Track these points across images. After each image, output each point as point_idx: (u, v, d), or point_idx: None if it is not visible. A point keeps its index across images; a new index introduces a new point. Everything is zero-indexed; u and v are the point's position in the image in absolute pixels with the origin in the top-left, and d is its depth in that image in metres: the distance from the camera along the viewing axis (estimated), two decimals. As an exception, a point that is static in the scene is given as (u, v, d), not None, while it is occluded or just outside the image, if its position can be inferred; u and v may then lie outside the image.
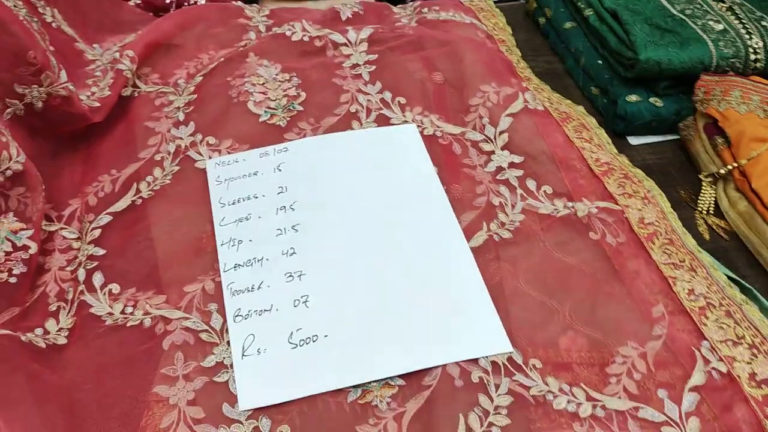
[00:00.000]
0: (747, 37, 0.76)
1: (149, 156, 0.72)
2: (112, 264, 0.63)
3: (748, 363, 0.55)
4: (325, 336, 0.57)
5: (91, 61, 0.81)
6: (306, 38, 0.84)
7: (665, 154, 0.77)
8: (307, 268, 0.61)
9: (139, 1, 1.03)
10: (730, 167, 0.69)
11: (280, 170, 0.70)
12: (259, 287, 0.60)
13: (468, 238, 0.65)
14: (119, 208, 0.67)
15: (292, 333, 0.57)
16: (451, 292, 0.60)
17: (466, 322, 0.58)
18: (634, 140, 0.79)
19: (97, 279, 0.61)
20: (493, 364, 0.55)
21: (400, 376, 0.54)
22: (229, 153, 0.73)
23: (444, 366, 0.55)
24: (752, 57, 0.76)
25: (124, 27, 0.90)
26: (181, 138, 0.74)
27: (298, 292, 0.60)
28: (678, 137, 0.78)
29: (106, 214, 0.67)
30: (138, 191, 0.69)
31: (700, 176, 0.72)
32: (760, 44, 0.76)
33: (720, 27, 0.77)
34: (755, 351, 0.56)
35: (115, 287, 0.61)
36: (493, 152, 0.73)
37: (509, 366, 0.55)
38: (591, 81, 0.84)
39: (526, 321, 0.59)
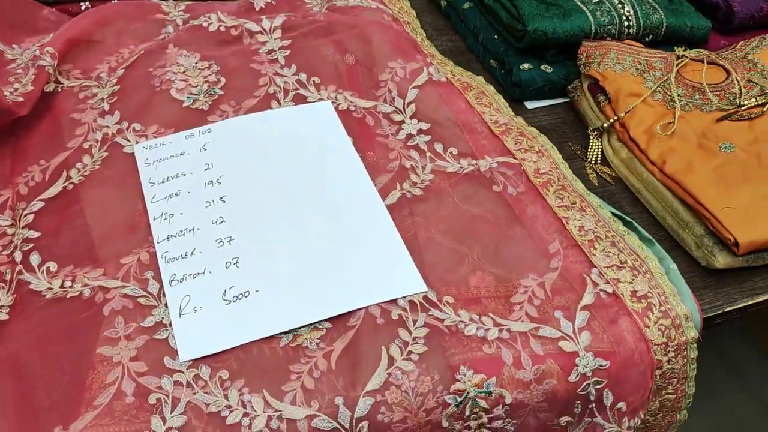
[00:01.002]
0: (620, 5, 0.86)
1: (77, 145, 0.75)
2: (48, 245, 0.66)
3: (630, 283, 0.64)
4: (256, 291, 0.62)
5: (11, 60, 0.84)
6: (222, 28, 0.89)
7: (558, 115, 0.86)
8: (236, 234, 0.66)
9: (53, 10, 1.06)
10: (611, 120, 0.78)
11: (205, 149, 0.75)
12: (192, 254, 0.65)
13: (383, 197, 0.71)
14: (51, 194, 0.70)
15: (225, 291, 0.62)
16: (370, 244, 0.66)
17: (385, 268, 0.64)
18: (530, 104, 0.87)
19: (35, 259, 0.64)
20: (411, 303, 0.61)
21: (327, 320, 0.60)
22: (155, 137, 0.76)
23: (366, 308, 0.61)
24: (625, 24, 0.85)
25: (41, 29, 0.92)
26: (107, 126, 0.77)
27: (229, 255, 0.65)
28: (568, 99, 0.87)
29: (38, 200, 0.70)
30: (68, 177, 0.72)
31: (588, 131, 0.81)
32: (631, 12, 0.85)
33: (597, -1, 0.87)
34: (635, 272, 0.64)
35: (52, 265, 0.64)
36: (403, 122, 0.79)
37: (425, 303, 0.62)
38: (489, 54, 0.91)
39: (439, 265, 0.66)
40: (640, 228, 0.70)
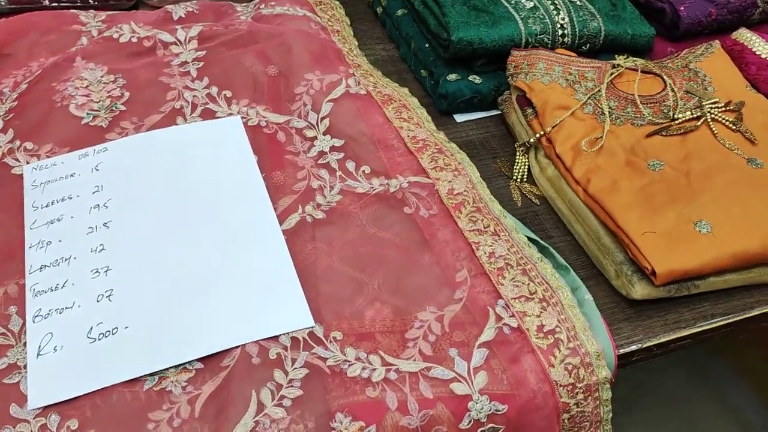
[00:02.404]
0: (555, 12, 0.80)
1: (-36, 165, 0.71)
2: None
3: (537, 316, 0.58)
4: (126, 327, 0.57)
5: None
6: (134, 39, 0.84)
7: (487, 129, 0.80)
8: (114, 263, 0.61)
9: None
10: (538, 135, 0.72)
11: (97, 170, 0.70)
12: (63, 286, 0.60)
13: (282, 221, 0.66)
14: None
15: (92, 328, 0.57)
16: (257, 274, 0.61)
17: (269, 301, 0.59)
18: (459, 117, 0.81)
19: None
20: (293, 339, 0.56)
21: (199, 360, 0.55)
22: (48, 157, 0.72)
23: (243, 346, 0.55)
24: (559, 32, 0.79)
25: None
26: (-1, 146, 0.72)
27: (102, 287, 0.59)
28: (499, 112, 0.81)
29: None
30: (-51, 200, 0.67)
31: (516, 146, 0.75)
32: (566, 19, 0.80)
33: (530, 5, 0.81)
34: (545, 304, 0.59)
35: None
36: (315, 138, 0.74)
37: (309, 340, 0.56)
38: (420, 64, 0.86)
39: (334, 296, 0.60)
40: (556, 254, 0.64)
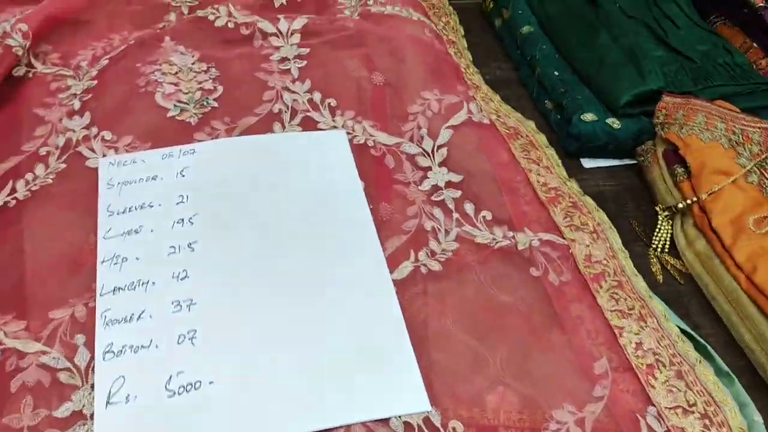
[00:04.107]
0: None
1: (34, 149, 0.62)
2: (-33, 278, 0.53)
3: (697, 435, 0.48)
4: (210, 383, 0.48)
5: (-22, 35, 0.70)
6: (231, 24, 0.74)
7: (621, 181, 0.70)
8: (199, 297, 0.52)
9: None
10: (689, 201, 0.62)
11: (183, 175, 0.61)
12: (139, 317, 0.51)
13: (392, 268, 0.56)
14: (-13, 209, 0.57)
15: (171, 377, 0.48)
16: (366, 336, 0.52)
17: (380, 373, 0.50)
18: (587, 162, 0.71)
19: (-56, 294, 0.51)
20: (406, 425, 0.47)
21: (293, 436, 0.46)
22: (127, 151, 0.63)
23: (348, 427, 0.46)
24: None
25: (26, -2, 0.79)
26: (72, 130, 0.63)
27: (184, 326, 0.51)
28: (635, 162, 0.71)
29: (-31, 216, 0.57)
30: (13, 190, 0.59)
31: (657, 208, 0.65)
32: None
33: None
34: (707, 423, 0.49)
35: (-34, 308, 0.51)
36: (429, 168, 0.65)
37: (424, 428, 0.47)
38: (545, 93, 0.76)
39: (450, 370, 0.51)
40: (715, 356, 0.54)
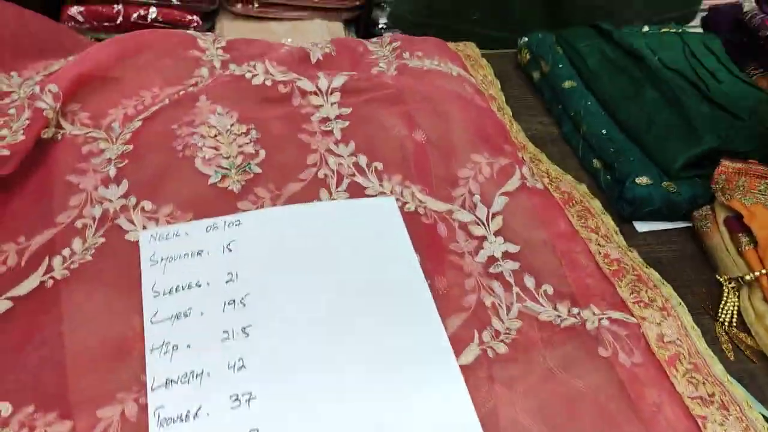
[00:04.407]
0: None
1: (69, 221, 0.59)
2: (4, 370, 0.49)
3: None
4: (278, 490, 0.44)
5: (5, 94, 0.67)
6: (269, 82, 0.72)
7: (677, 246, 0.68)
8: (257, 390, 0.49)
9: (81, 9, 0.91)
10: (756, 273, 0.60)
11: (230, 250, 0.58)
12: (195, 415, 0.47)
13: (457, 351, 0.53)
14: (23, 290, 0.54)
15: (234, 485, 0.44)
16: (436, 427, 0.49)
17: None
18: (641, 226, 0.69)
19: (-18, 393, 0.47)
20: None
21: None
22: (168, 223, 0.59)
23: None
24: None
25: (52, 51, 0.76)
26: (110, 200, 0.60)
27: (245, 425, 0.47)
28: (690, 224, 0.69)
29: (4, 298, 0.53)
30: (50, 269, 0.55)
31: (721, 279, 0.63)
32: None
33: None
34: None
35: (4, 407, 0.47)
36: (484, 238, 0.62)
37: None
38: (592, 152, 0.74)
39: (525, 465, 0.48)
40: (802, 447, 0.52)
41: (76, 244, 0.57)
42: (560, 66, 0.81)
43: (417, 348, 0.53)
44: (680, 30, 0.89)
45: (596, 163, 0.73)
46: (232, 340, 0.52)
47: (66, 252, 0.56)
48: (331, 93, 0.72)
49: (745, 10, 0.90)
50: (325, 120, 0.69)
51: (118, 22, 0.92)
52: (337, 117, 0.70)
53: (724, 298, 0.61)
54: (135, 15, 0.93)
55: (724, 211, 0.64)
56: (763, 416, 0.52)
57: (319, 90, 0.72)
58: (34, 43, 0.76)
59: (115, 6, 0.92)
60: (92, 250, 0.57)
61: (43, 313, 0.52)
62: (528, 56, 0.86)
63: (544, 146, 0.76)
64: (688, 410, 0.52)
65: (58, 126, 0.66)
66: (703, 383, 0.53)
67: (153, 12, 0.93)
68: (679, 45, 0.85)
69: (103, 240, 0.57)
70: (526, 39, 0.87)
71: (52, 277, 0.54)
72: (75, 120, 0.67)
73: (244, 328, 0.52)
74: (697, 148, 0.67)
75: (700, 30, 0.96)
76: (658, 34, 0.87)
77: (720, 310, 0.61)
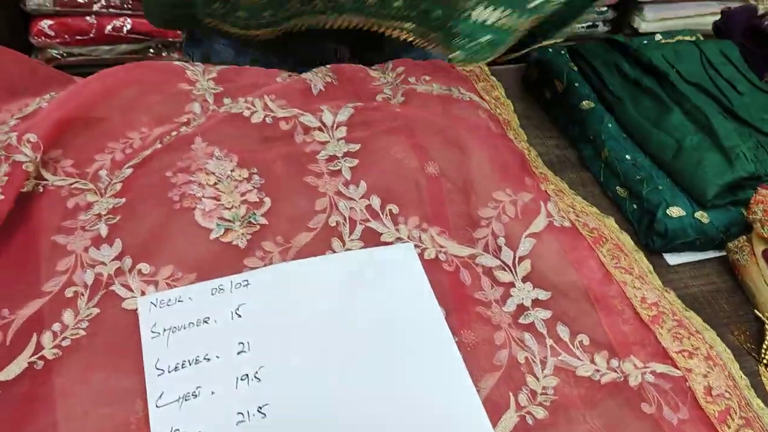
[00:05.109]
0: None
1: (57, 289, 0.53)
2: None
3: None
4: None
5: (-22, 144, 0.61)
6: (269, 120, 0.66)
7: (711, 279, 0.64)
8: (281, 481, 0.44)
9: (51, 23, 0.85)
10: (801, 312, 0.56)
11: (239, 315, 0.53)
12: None
13: (493, 420, 0.49)
14: (10, 374, 0.48)
15: None
16: None
17: None
18: (672, 259, 0.65)
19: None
20: None
21: None
22: (169, 286, 0.54)
23: None
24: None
25: (26, 90, 0.69)
26: (103, 263, 0.55)
27: None
28: (723, 253, 0.65)
29: (-11, 386, 0.47)
30: (39, 347, 0.50)
31: (762, 316, 0.59)
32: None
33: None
34: None
35: None
36: (512, 284, 0.57)
37: None
38: (616, 178, 0.69)
39: None
40: None
41: (67, 316, 0.51)
42: (576, 84, 0.76)
43: (450, 417, 0.49)
44: (695, 38, 0.85)
45: (621, 191, 0.69)
46: (248, 422, 0.47)
47: (56, 327, 0.51)
48: (337, 128, 0.67)
49: (760, 13, 0.87)
50: (333, 158, 0.64)
51: (91, 34, 0.86)
52: (345, 154, 0.65)
53: (766, 336, 0.57)
54: (109, 27, 0.87)
55: (762, 243, 0.61)
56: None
57: (324, 125, 0.67)
58: (4, 81, 0.70)
59: (88, 18, 0.86)
60: (85, 323, 0.51)
61: (33, 401, 0.47)
62: (536, 75, 0.81)
63: (563, 173, 0.72)
64: (745, 472, 0.48)
65: (39, 177, 0.60)
66: (759, 442, 0.50)
67: (128, 23, 0.88)
68: (696, 54, 0.81)
69: (97, 311, 0.52)
70: (536, 54, 0.82)
71: (42, 357, 0.49)
72: (57, 169, 0.61)
73: (261, 408, 0.47)
74: (731, 175, 0.63)
75: (713, 36, 0.92)
76: (673, 44, 0.82)
77: (763, 351, 0.57)
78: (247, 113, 0.66)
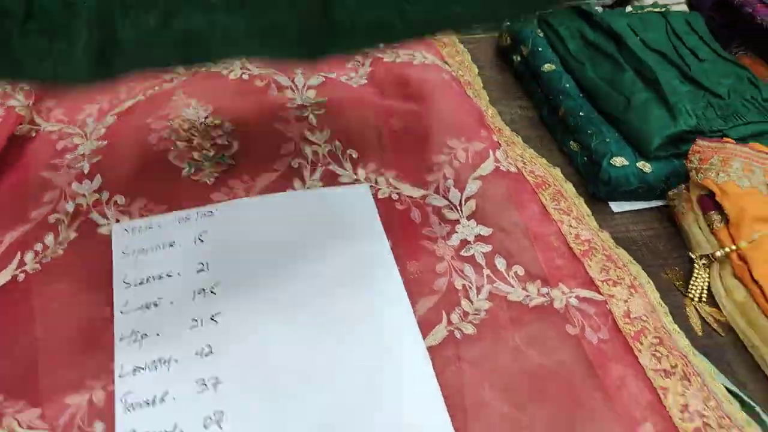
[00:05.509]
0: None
1: (42, 217, 0.59)
2: (-24, 362, 0.50)
3: None
4: (241, 472, 0.45)
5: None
6: (245, 76, 0.72)
7: (651, 225, 0.67)
8: (224, 375, 0.49)
9: None
10: (727, 250, 0.60)
11: (202, 240, 0.58)
12: (162, 399, 0.48)
13: (425, 333, 0.54)
14: (-4, 284, 0.55)
15: (198, 467, 0.45)
16: (401, 408, 0.49)
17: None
18: (616, 206, 0.69)
19: (-48, 383, 0.48)
20: None
21: None
22: (141, 216, 0.60)
23: None
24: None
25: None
26: (83, 195, 0.61)
27: (210, 407, 0.48)
28: (665, 204, 0.69)
29: (-24, 293, 0.54)
30: (22, 263, 0.56)
31: (693, 256, 0.62)
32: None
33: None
34: (763, 491, 0.46)
35: (-25, 395, 0.48)
36: (458, 222, 0.62)
37: None
38: (569, 134, 0.73)
39: (491, 443, 0.48)
40: (765, 418, 0.51)
41: (49, 238, 0.58)
42: (540, 49, 0.80)
43: (385, 331, 0.53)
44: (664, 9, 0.88)
45: (573, 145, 0.73)
46: (201, 327, 0.52)
47: (38, 247, 0.57)
48: (306, 90, 0.72)
49: (728, -13, 0.90)
50: (302, 107, 0.70)
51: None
52: (313, 105, 0.70)
53: (695, 275, 0.61)
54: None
55: (698, 190, 0.64)
56: (726, 387, 0.52)
57: (296, 86, 0.72)
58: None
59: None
60: (65, 245, 0.57)
61: (14, 306, 0.53)
62: (508, 40, 0.86)
63: (523, 130, 0.76)
64: (650, 383, 0.52)
65: (33, 123, 0.67)
66: (667, 356, 0.53)
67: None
68: (662, 24, 0.84)
69: (75, 234, 0.58)
70: (508, 23, 0.86)
71: (24, 271, 0.55)
72: (50, 116, 0.68)
73: (213, 316, 0.53)
74: (674, 128, 0.67)
75: (685, 8, 0.95)
76: (641, 14, 0.86)
77: (690, 287, 0.61)
78: (225, 72, 0.72)
